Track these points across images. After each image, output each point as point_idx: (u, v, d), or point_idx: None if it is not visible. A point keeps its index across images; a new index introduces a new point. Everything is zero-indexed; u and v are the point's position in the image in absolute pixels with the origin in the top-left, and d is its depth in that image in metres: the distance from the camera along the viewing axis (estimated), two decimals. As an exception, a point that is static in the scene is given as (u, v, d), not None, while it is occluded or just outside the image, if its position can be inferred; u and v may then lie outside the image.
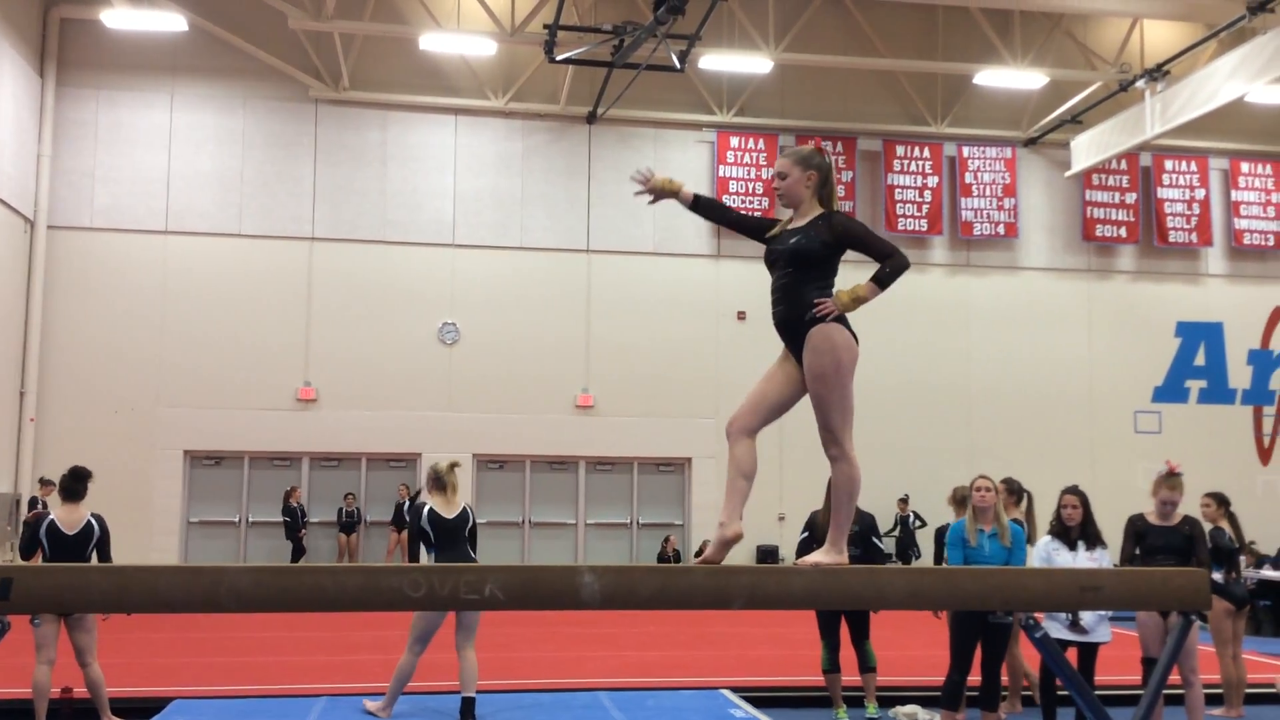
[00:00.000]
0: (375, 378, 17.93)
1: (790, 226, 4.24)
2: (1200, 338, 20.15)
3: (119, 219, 17.63)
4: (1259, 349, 20.35)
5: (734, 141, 19.07)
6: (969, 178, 19.56)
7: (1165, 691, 5.15)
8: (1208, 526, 7.84)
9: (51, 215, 17.37)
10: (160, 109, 17.88)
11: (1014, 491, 7.84)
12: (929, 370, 19.10)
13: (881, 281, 4.09)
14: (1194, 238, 20.10)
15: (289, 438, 17.80)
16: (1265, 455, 20.17)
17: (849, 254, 4.15)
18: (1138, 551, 6.95)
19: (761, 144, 19.10)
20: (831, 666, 7.93)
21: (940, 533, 9.23)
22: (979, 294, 19.61)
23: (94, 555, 7.18)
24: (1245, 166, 20.35)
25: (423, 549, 7.47)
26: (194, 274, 17.73)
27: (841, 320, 4.07)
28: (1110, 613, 6.68)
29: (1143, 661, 7.11)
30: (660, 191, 4.39)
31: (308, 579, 3.59)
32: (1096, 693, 4.85)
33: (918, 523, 17.93)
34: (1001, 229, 19.60)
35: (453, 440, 17.21)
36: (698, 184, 17.88)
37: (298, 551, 17.03)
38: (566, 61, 16.55)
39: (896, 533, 17.89)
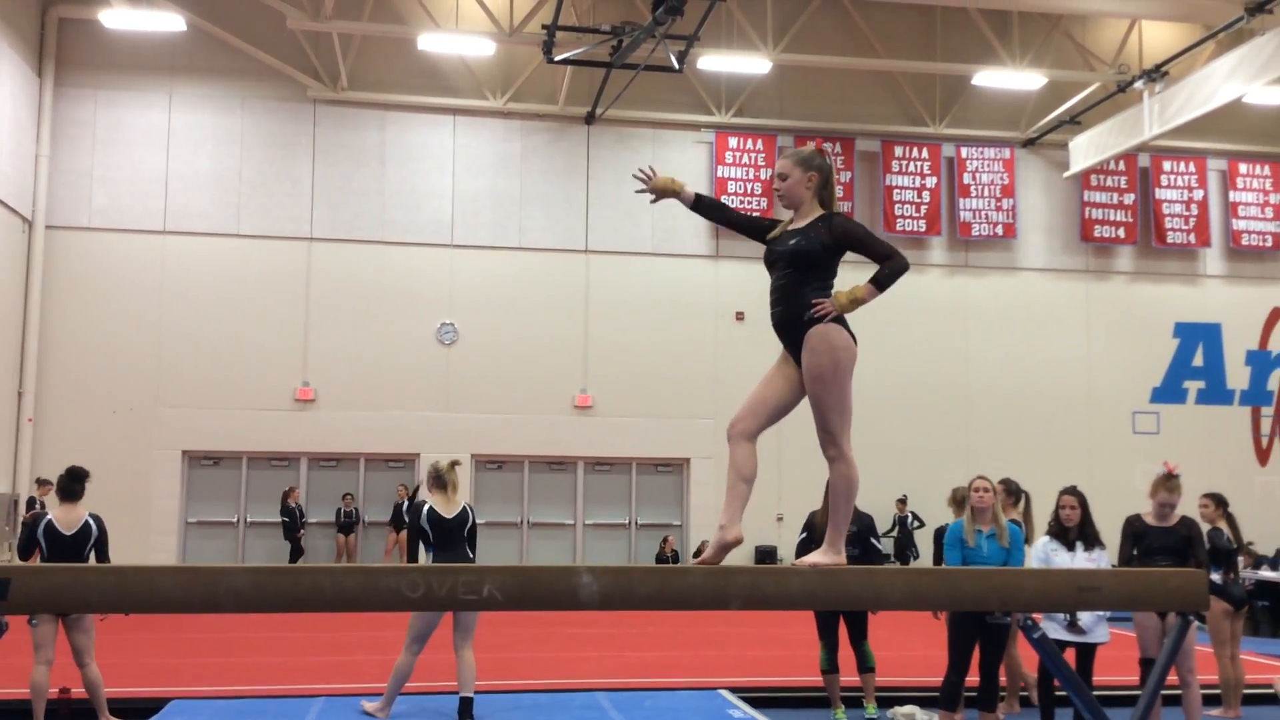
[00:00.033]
0: (374, 378, 17.93)
1: (790, 227, 4.24)
2: (1198, 338, 20.16)
3: (117, 219, 17.62)
4: (1257, 350, 20.37)
5: (732, 142, 19.07)
6: (967, 178, 19.57)
7: (1163, 692, 5.15)
8: (1206, 527, 7.85)
9: (50, 215, 17.37)
10: (159, 109, 17.87)
11: (1012, 492, 7.85)
12: (927, 371, 19.11)
13: (880, 283, 4.09)
14: (1192, 238, 20.11)
15: (287, 438, 17.79)
16: (1263, 456, 20.19)
17: (849, 255, 4.15)
18: (1135, 552, 6.96)
19: (760, 144, 19.10)
20: (830, 667, 7.92)
21: (939, 533, 9.24)
22: (977, 295, 19.62)
23: (92, 555, 7.17)
24: (1243, 167, 20.37)
25: (422, 548, 7.46)
26: (192, 274, 17.72)
27: (840, 321, 4.07)
28: (1108, 613, 6.68)
29: (1140, 662, 7.12)
30: (662, 191, 4.39)
31: (306, 579, 3.59)
32: (1094, 693, 4.85)
33: (916, 523, 17.94)
34: (1000, 230, 19.62)
35: (451, 440, 17.20)
36: (696, 184, 17.88)
37: (296, 552, 17.03)
38: (565, 62, 16.55)
39: (895, 533, 17.90)
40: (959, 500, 7.57)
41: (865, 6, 18.57)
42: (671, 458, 18.71)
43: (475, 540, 7.52)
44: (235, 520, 17.80)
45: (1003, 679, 7.60)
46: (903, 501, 18.17)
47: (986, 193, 19.60)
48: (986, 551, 6.93)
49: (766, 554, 17.95)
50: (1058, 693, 6.95)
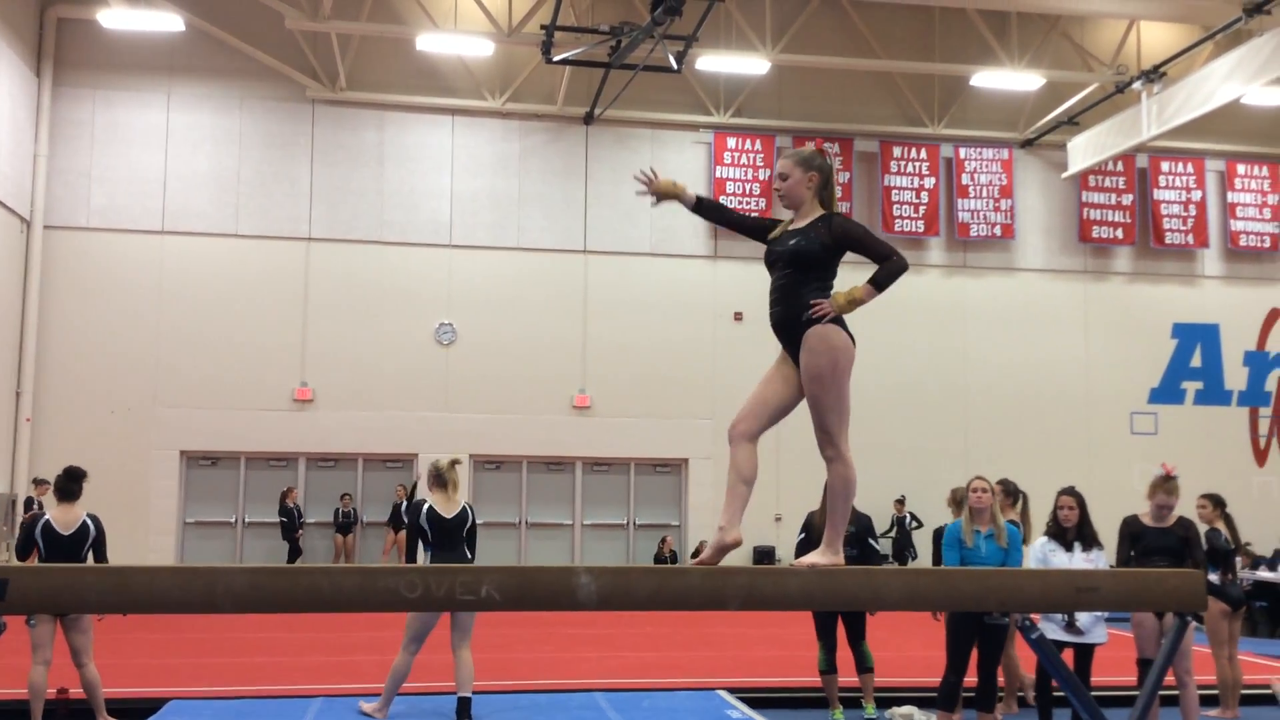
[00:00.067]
0: (372, 378, 17.92)
1: (791, 227, 4.25)
2: (1196, 339, 20.17)
3: (115, 219, 17.61)
4: (1255, 350, 20.38)
5: (731, 142, 19.07)
6: (966, 179, 19.57)
7: (1161, 693, 5.15)
8: (1203, 528, 7.86)
9: (48, 215, 17.35)
10: (157, 109, 17.86)
11: (1010, 493, 7.85)
12: (926, 371, 19.12)
13: (878, 284, 4.09)
14: (1190, 239, 20.13)
15: (285, 438, 17.78)
16: (1261, 457, 20.20)
17: (849, 256, 4.16)
18: (1133, 553, 6.96)
19: (758, 145, 19.11)
20: (828, 667, 7.92)
21: (937, 534, 9.23)
22: (976, 295, 19.63)
23: (90, 556, 7.16)
24: (1241, 168, 20.39)
25: (420, 547, 7.45)
26: (190, 274, 17.71)
27: (838, 322, 4.07)
28: (1106, 614, 6.68)
29: (1138, 663, 7.12)
30: (664, 194, 4.40)
31: (304, 580, 3.58)
32: (1092, 694, 4.86)
33: (914, 524, 17.94)
34: (998, 230, 19.62)
35: (449, 441, 17.18)
36: (695, 185, 17.89)
37: (294, 552, 17.02)
38: (564, 62, 16.55)
39: (893, 534, 17.90)
40: (959, 501, 7.57)
41: (864, 7, 18.58)
42: (670, 458, 18.71)
43: (475, 540, 7.48)
44: (233, 520, 17.79)
45: (1001, 679, 7.61)
46: (901, 502, 18.18)
47: (985, 193, 19.61)
48: (984, 552, 6.93)
49: (765, 554, 17.96)
50: (1056, 693, 6.95)
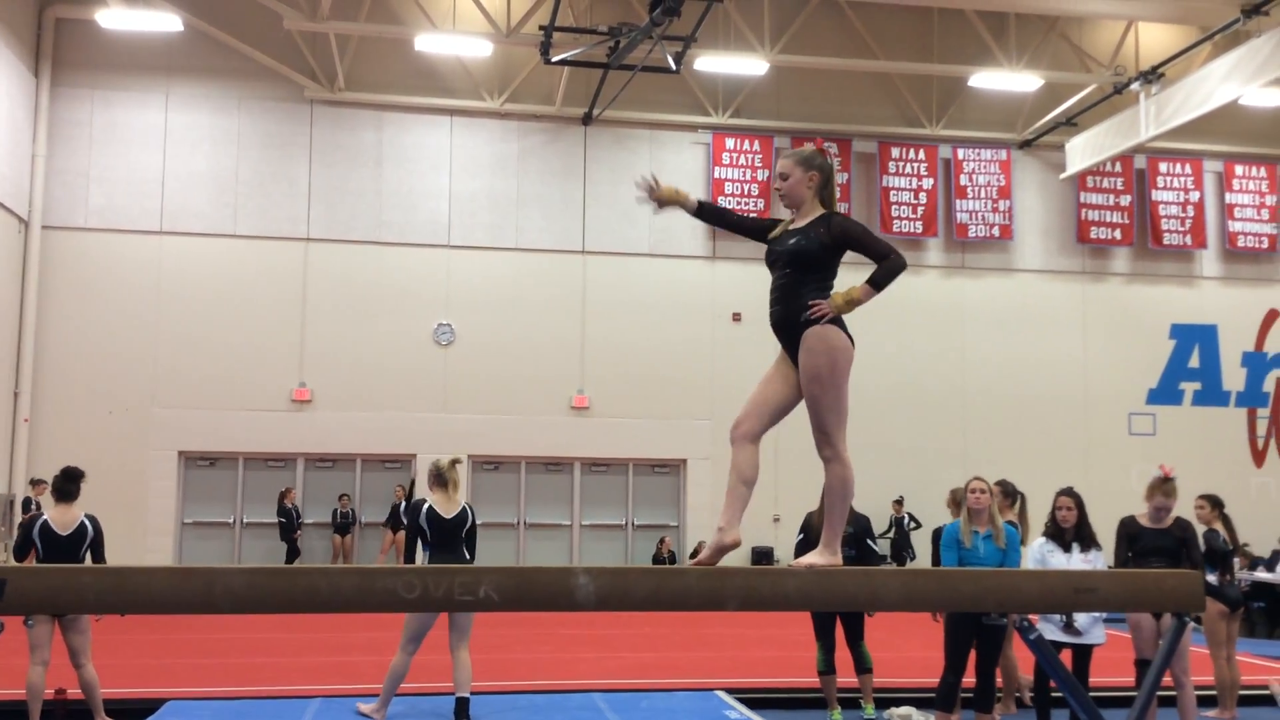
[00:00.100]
0: (370, 379, 17.91)
1: (791, 227, 4.26)
2: (1195, 340, 20.18)
3: (114, 219, 17.60)
4: (1253, 351, 20.39)
5: (729, 143, 19.07)
6: (964, 180, 19.58)
7: (1158, 693, 5.15)
8: (1201, 529, 7.86)
9: (46, 215, 17.34)
10: (155, 109, 17.86)
11: (1008, 493, 7.86)
12: (924, 372, 19.12)
13: (877, 283, 4.09)
14: (1188, 240, 20.14)
15: (284, 439, 17.77)
16: (1259, 457, 20.21)
17: (849, 256, 4.16)
18: (1130, 554, 6.97)
19: (757, 145, 19.11)
20: (827, 668, 7.93)
21: (936, 534, 9.23)
22: (974, 296, 19.63)
23: (88, 556, 7.16)
24: (1240, 169, 20.40)
25: (419, 547, 7.43)
26: (189, 274, 17.70)
27: (837, 322, 4.08)
28: (1104, 614, 6.69)
29: (1136, 663, 7.12)
30: (666, 201, 4.39)
31: (302, 580, 3.57)
32: (1090, 694, 4.86)
33: (913, 524, 17.94)
34: (996, 231, 19.63)
35: (448, 441, 17.15)
36: (693, 185, 17.90)
37: (292, 553, 17.01)
38: (562, 63, 16.55)
39: (891, 534, 17.90)
40: (957, 501, 7.58)
41: (862, 8, 18.58)
42: (668, 458, 18.71)
43: (475, 541, 7.46)
44: (231, 521, 17.78)
45: (999, 680, 7.61)
46: (899, 502, 18.18)
47: (983, 194, 19.61)
48: (983, 552, 6.93)
49: (763, 555, 17.95)
50: (1054, 694, 6.96)
